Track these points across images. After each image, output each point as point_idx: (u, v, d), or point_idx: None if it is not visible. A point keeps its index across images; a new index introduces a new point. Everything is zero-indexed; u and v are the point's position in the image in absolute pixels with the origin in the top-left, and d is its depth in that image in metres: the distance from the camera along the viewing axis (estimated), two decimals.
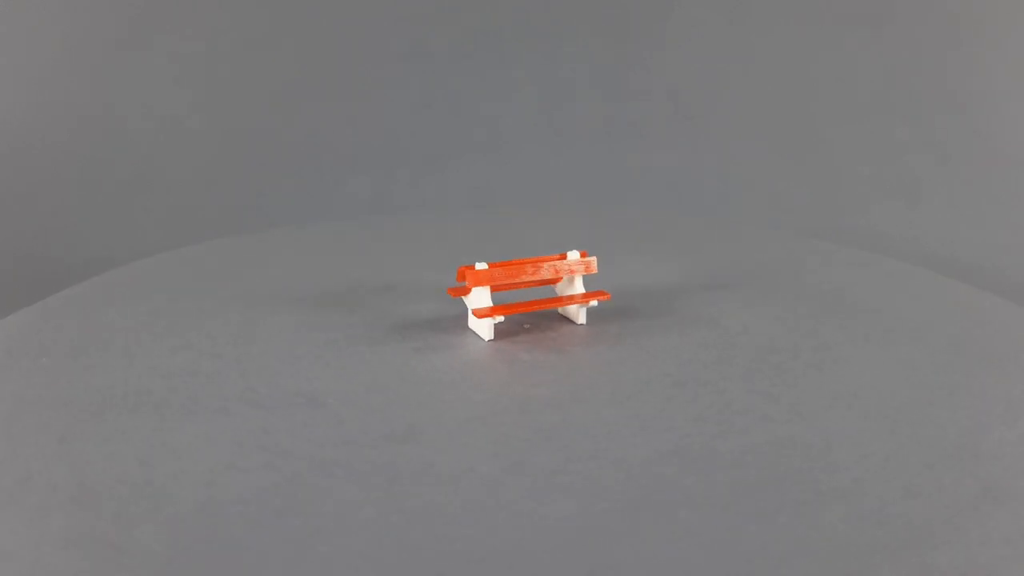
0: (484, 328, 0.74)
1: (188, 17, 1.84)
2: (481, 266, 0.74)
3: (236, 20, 1.86)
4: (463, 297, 0.76)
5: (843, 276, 0.93)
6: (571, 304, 0.77)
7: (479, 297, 0.74)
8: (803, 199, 1.76)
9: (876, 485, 0.53)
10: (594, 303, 0.77)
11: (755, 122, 1.84)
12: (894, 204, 1.75)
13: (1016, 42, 1.82)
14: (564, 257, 0.77)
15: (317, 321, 0.78)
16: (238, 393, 0.65)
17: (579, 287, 0.77)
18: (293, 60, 1.86)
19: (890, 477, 0.54)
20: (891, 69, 1.84)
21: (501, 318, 0.74)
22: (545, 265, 0.76)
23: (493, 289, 0.76)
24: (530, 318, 0.79)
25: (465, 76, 1.85)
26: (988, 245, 1.65)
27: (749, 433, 0.59)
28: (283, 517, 0.50)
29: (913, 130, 1.81)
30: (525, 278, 0.75)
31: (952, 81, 1.83)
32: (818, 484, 0.53)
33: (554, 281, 0.79)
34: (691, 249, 1.02)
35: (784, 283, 0.89)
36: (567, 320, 0.79)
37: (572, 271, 0.76)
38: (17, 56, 1.81)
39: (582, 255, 0.77)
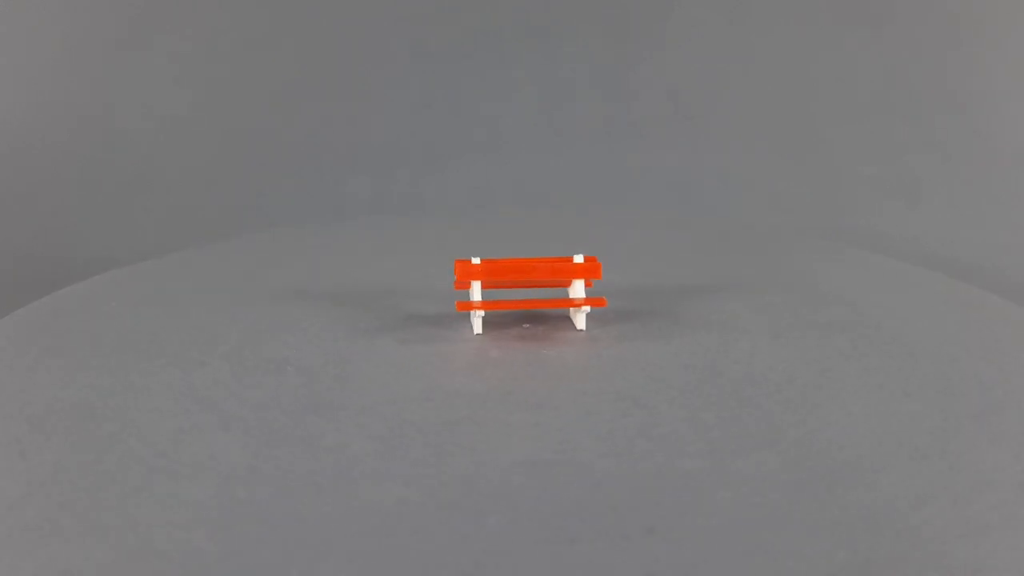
0: (474, 322, 0.75)
1: (188, 17, 1.84)
2: (475, 261, 0.75)
3: (236, 20, 1.85)
4: (467, 290, 0.76)
5: (844, 279, 0.92)
6: (563, 308, 0.77)
7: (472, 291, 0.75)
8: (803, 199, 1.76)
9: (721, 541, 0.48)
10: (587, 308, 0.76)
11: (755, 122, 1.84)
12: (894, 204, 1.75)
13: (1016, 42, 1.82)
14: (569, 260, 0.76)
15: (315, 314, 0.79)
16: (224, 353, 0.71)
17: (579, 291, 0.76)
18: (293, 60, 1.86)
19: (747, 537, 0.48)
20: (891, 69, 1.84)
21: (483, 312, 0.75)
22: (542, 266, 0.75)
23: (490, 286, 0.76)
24: (534, 319, 0.79)
25: (465, 76, 1.85)
26: (988, 245, 1.65)
27: (643, 460, 0.56)
28: (158, 457, 0.56)
29: (913, 130, 1.81)
30: (519, 277, 0.75)
31: (952, 81, 1.83)
32: (659, 523, 0.49)
33: (561, 284, 0.78)
34: (693, 250, 1.02)
35: (786, 288, 0.89)
36: (570, 323, 0.78)
37: (571, 274, 0.76)
38: (17, 56, 1.81)
39: (587, 259, 0.76)
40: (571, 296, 0.77)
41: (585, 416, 0.62)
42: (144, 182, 1.76)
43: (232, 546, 0.48)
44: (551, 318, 0.79)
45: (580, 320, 0.77)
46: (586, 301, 0.75)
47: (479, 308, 0.74)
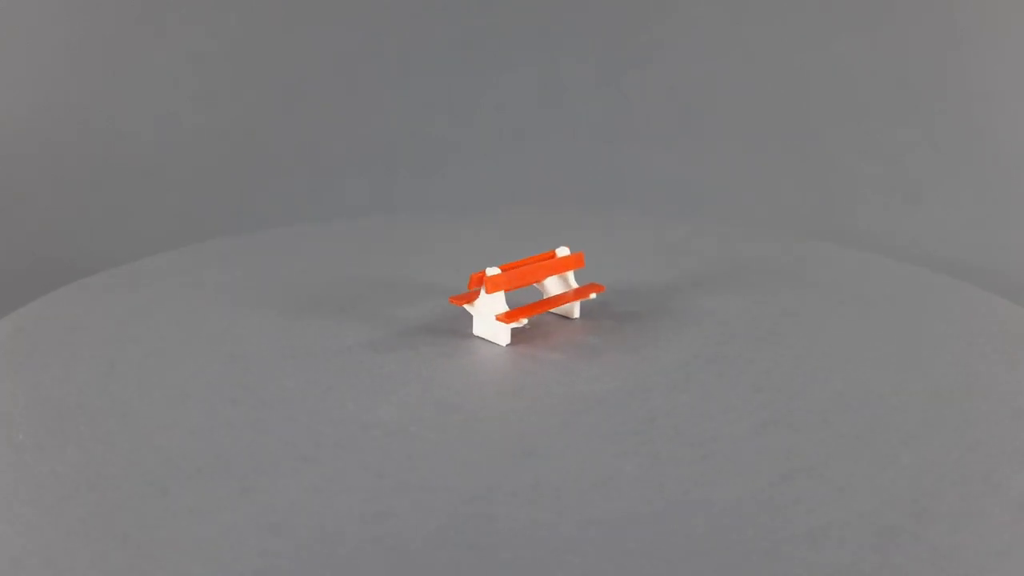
0: (501, 333, 0.73)
1: (189, 17, 1.84)
2: (494, 271, 0.73)
3: (237, 20, 1.85)
4: (466, 305, 0.75)
5: (843, 277, 0.92)
6: (569, 301, 0.78)
7: (495, 302, 0.73)
8: (803, 199, 1.76)
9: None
10: (593, 296, 0.78)
11: (755, 122, 1.84)
12: (894, 204, 1.75)
13: (1016, 42, 1.82)
14: (553, 254, 0.77)
15: (322, 318, 0.78)
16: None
17: (573, 282, 0.78)
18: (293, 60, 1.86)
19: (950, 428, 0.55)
20: (891, 69, 1.84)
21: (525, 321, 0.73)
22: (549, 264, 0.77)
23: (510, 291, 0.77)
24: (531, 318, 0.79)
25: (465, 76, 1.85)
26: (988, 245, 1.65)
27: (799, 397, 0.64)
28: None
29: (913, 130, 1.81)
30: (534, 279, 0.76)
31: (952, 81, 1.83)
32: (903, 437, 0.57)
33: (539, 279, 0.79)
34: (691, 249, 1.02)
35: (784, 285, 0.89)
36: (562, 317, 0.79)
37: (565, 267, 0.77)
38: (17, 56, 1.81)
39: (572, 253, 0.78)
40: (562, 288, 0.79)
41: (719, 377, 0.67)
42: (144, 182, 1.76)
43: None
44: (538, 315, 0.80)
45: (576, 310, 0.78)
46: (591, 287, 0.78)
47: (524, 315, 0.73)
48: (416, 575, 0.46)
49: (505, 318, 0.72)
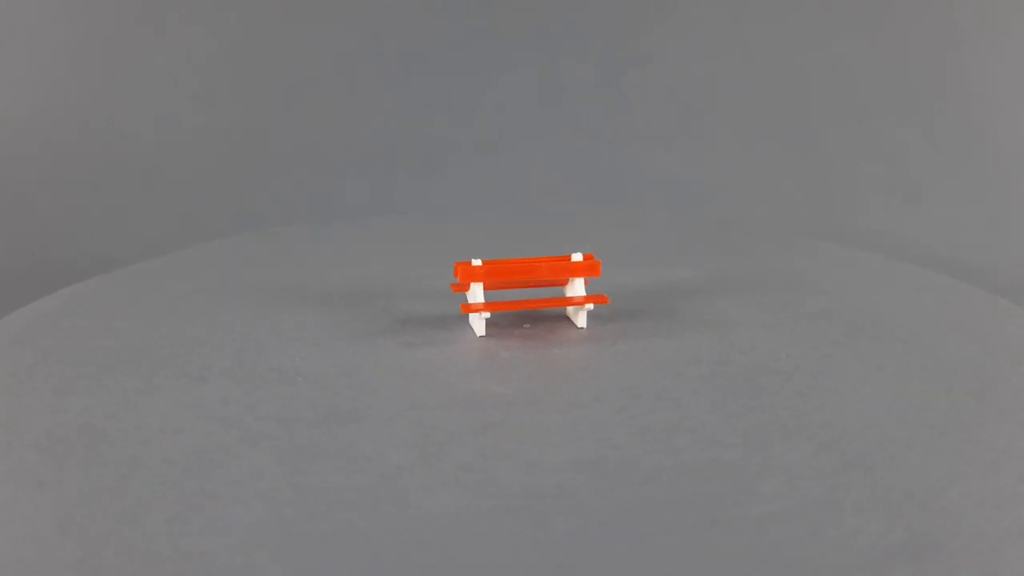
0: (476, 324, 0.75)
1: (189, 18, 1.84)
2: (476, 263, 0.74)
3: (237, 20, 1.85)
4: (466, 293, 0.76)
5: (844, 277, 0.92)
6: (566, 306, 0.77)
7: (473, 293, 0.75)
8: (803, 199, 1.76)
9: (780, 528, 0.49)
10: (590, 306, 0.76)
11: (755, 122, 1.84)
12: (894, 204, 1.75)
13: (1016, 42, 1.82)
14: (568, 259, 0.76)
15: (317, 316, 0.79)
16: (223, 367, 0.69)
17: (579, 290, 0.77)
18: (293, 60, 1.86)
19: (804, 522, 0.50)
20: (891, 69, 1.84)
21: (488, 314, 0.74)
22: (543, 265, 0.76)
23: (491, 287, 0.76)
24: (532, 318, 0.79)
25: (465, 76, 1.85)
26: (988, 245, 1.65)
27: (685, 453, 0.57)
28: (191, 479, 0.54)
29: (913, 130, 1.81)
30: (520, 277, 0.76)
31: (952, 81, 1.83)
32: (719, 514, 0.50)
33: (560, 283, 0.78)
34: (691, 250, 1.02)
35: (785, 285, 0.89)
36: (570, 322, 0.79)
37: (571, 273, 0.76)
38: (17, 56, 1.81)
39: (586, 258, 0.76)
40: (570, 294, 0.77)
41: (616, 413, 0.62)
42: (144, 182, 1.76)
43: (297, 566, 0.46)
44: (549, 317, 0.79)
45: (581, 318, 0.77)
46: (589, 299, 0.76)
47: (485, 310, 0.74)
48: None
49: (464, 308, 0.74)
